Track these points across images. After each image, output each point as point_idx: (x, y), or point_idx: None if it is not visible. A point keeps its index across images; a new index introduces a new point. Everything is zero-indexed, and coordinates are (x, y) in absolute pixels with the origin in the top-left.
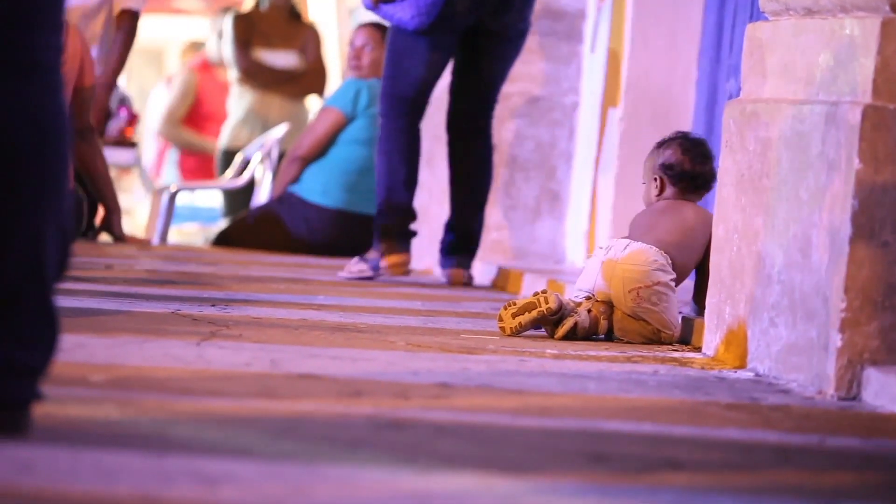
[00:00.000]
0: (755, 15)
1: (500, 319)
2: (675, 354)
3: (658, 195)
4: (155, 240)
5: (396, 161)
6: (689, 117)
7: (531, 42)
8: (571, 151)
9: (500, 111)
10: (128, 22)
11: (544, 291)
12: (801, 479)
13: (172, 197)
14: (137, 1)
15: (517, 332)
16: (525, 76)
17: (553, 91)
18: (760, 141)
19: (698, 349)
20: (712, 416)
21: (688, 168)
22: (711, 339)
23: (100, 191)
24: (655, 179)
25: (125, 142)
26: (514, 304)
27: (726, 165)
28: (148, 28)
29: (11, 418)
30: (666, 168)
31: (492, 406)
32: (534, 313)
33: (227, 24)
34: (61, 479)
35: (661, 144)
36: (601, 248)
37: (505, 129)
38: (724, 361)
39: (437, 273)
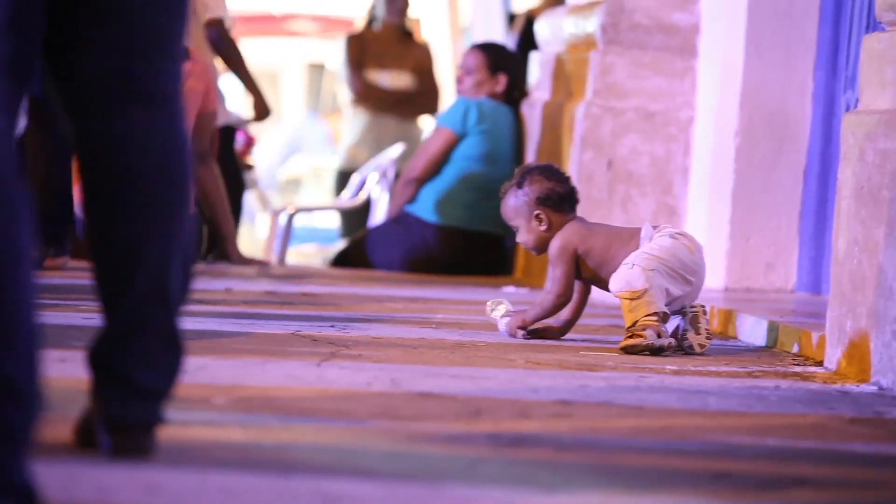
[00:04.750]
0: (872, 25)
1: (634, 346)
2: (797, 369)
3: (547, 229)
4: (273, 261)
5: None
6: (806, 130)
7: (645, 57)
8: (687, 166)
9: (616, 127)
10: (217, 34)
11: (638, 334)
12: None
13: (290, 218)
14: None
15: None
16: (639, 92)
17: (668, 106)
18: (879, 152)
19: (820, 363)
20: (836, 431)
21: (561, 190)
22: (833, 352)
23: (216, 214)
24: (537, 216)
25: (242, 165)
26: (652, 346)
27: (845, 177)
28: (263, 51)
29: (138, 441)
30: (544, 200)
31: (612, 423)
32: (642, 346)
33: (341, 45)
34: (188, 500)
35: (521, 184)
36: (679, 234)
37: (620, 144)
38: (847, 375)
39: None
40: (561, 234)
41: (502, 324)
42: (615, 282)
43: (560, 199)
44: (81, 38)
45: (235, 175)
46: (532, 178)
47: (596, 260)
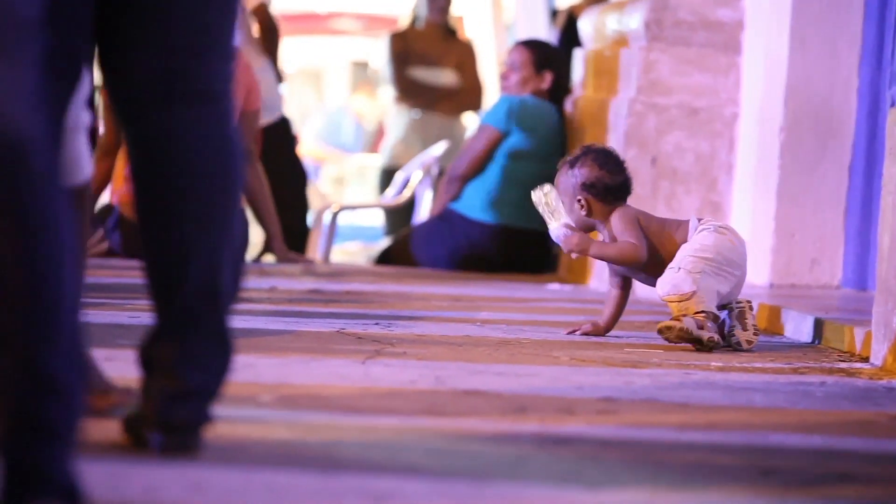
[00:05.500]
0: None
1: (669, 329)
2: (843, 365)
3: (588, 214)
4: (318, 259)
5: None
6: (851, 125)
7: (689, 54)
8: (732, 162)
9: (660, 124)
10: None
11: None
12: None
13: (335, 216)
14: None
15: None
16: (683, 88)
17: (712, 102)
18: None
19: (866, 359)
20: (882, 428)
21: (609, 182)
22: (879, 348)
23: (260, 213)
24: (579, 201)
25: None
26: (689, 332)
27: (890, 173)
28: (306, 49)
29: (186, 439)
30: (588, 187)
31: (657, 420)
32: (692, 341)
33: (384, 43)
34: (233, 498)
35: (574, 164)
36: (723, 227)
37: (664, 141)
38: (893, 371)
39: None
40: (619, 211)
41: (558, 231)
42: (662, 285)
43: (605, 190)
44: (135, 37)
45: (296, 166)
46: (585, 161)
47: (654, 231)
